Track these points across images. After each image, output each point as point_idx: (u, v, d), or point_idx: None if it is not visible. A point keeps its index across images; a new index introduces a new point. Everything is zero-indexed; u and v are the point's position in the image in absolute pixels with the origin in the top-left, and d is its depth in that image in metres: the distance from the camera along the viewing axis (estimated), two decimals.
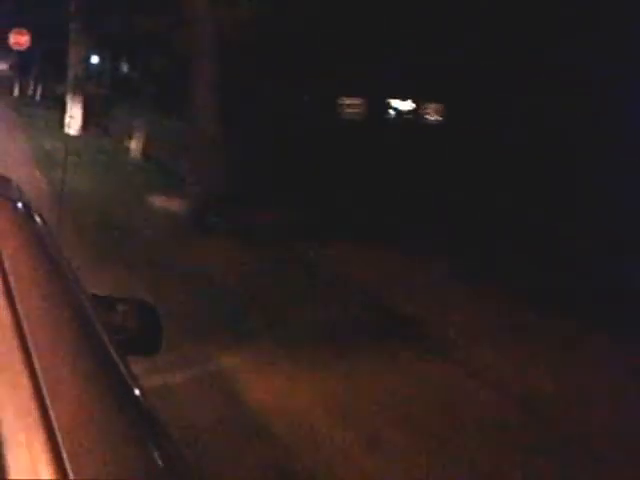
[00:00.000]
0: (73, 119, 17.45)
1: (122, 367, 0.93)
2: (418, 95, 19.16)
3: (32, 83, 23.75)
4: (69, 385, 0.78)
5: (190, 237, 8.30)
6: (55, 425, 0.71)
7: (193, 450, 3.02)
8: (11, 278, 0.89)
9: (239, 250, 7.64)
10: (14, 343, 0.79)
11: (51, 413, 0.72)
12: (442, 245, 8.15)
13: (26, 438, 0.70)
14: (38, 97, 23.31)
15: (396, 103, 19.99)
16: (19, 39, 21.63)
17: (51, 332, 0.85)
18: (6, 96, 22.89)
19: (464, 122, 15.48)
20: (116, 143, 15.65)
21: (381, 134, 15.81)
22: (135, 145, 13.65)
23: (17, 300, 0.85)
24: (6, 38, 21.56)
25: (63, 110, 18.08)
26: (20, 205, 1.14)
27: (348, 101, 18.85)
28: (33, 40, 21.59)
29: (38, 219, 1.17)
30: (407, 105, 20.07)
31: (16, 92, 23.60)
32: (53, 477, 0.66)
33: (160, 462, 0.79)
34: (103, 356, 0.92)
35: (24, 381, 0.74)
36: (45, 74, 23.44)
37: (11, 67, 24.92)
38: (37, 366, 0.76)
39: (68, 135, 16.68)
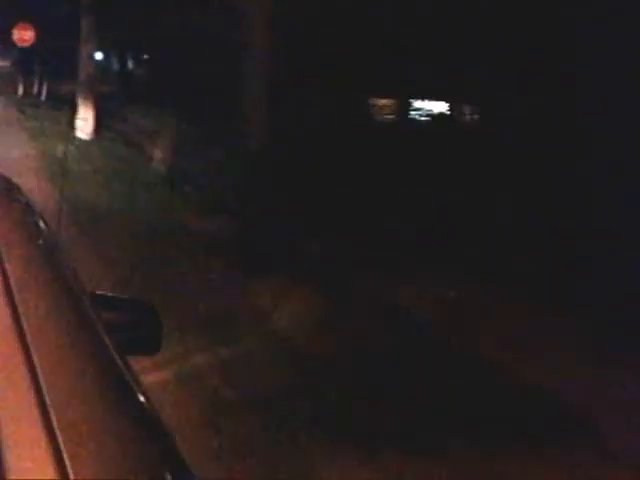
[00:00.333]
0: (85, 122, 16.19)
1: (122, 367, 0.90)
2: (451, 96, 18.30)
3: (37, 82, 22.47)
4: (69, 385, 0.77)
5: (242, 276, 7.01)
6: (55, 425, 0.69)
7: None
8: (11, 278, 0.89)
9: (310, 296, 6.36)
10: (14, 343, 0.78)
11: (51, 413, 0.70)
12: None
13: (26, 438, 0.68)
14: (44, 97, 22.02)
15: (430, 104, 19.00)
16: (23, 35, 20.40)
17: (51, 332, 0.84)
18: (10, 95, 21.60)
19: (500, 124, 14.54)
20: (133, 149, 14.32)
21: (425, 139, 14.76)
22: (160, 155, 12.25)
23: (17, 300, 0.85)
24: (8, 34, 20.40)
25: (72, 111, 16.77)
26: (20, 205, 1.18)
27: (380, 102, 17.77)
28: (36, 37, 20.39)
29: (38, 219, 1.18)
30: (441, 106, 19.09)
31: (20, 91, 22.33)
32: (53, 477, 0.65)
33: (160, 462, 0.77)
34: (103, 356, 0.90)
35: (24, 381, 0.73)
36: (48, 72, 22.24)
37: (13, 64, 23.67)
38: (37, 366, 0.75)
39: (80, 139, 15.46)
